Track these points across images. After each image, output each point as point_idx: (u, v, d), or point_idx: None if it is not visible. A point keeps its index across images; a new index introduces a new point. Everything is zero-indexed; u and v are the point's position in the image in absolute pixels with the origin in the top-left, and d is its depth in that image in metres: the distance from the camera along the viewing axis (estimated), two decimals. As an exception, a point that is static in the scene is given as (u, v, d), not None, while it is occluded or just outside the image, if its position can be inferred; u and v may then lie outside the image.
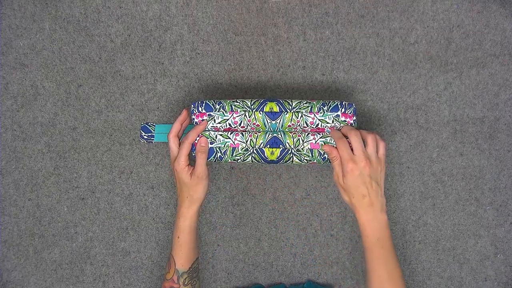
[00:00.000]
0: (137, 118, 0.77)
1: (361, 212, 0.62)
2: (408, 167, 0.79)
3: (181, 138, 0.67)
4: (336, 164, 0.64)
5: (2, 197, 0.78)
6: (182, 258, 0.64)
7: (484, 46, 0.75)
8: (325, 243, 0.80)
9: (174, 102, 0.77)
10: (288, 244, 0.80)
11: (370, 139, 0.62)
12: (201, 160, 0.64)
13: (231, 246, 0.80)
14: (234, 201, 0.79)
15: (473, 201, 0.80)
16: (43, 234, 0.79)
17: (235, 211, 0.80)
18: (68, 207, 0.79)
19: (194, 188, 0.64)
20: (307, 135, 0.67)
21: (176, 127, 0.66)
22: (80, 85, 0.76)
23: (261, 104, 0.66)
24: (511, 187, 0.79)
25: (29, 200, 0.78)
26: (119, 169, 0.78)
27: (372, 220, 0.62)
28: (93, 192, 0.79)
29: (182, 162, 0.63)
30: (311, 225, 0.80)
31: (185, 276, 0.64)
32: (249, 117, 0.66)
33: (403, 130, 0.78)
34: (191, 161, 0.66)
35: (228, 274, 0.81)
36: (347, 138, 0.64)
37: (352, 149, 0.62)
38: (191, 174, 0.64)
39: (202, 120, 0.66)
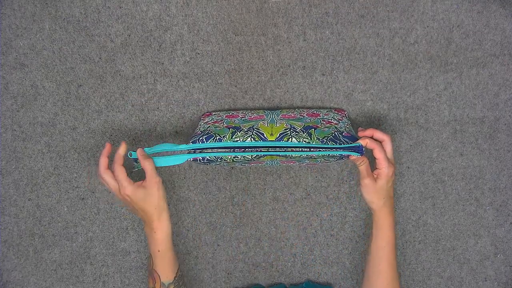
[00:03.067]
0: (137, 118, 0.77)
1: (389, 214, 0.65)
2: (408, 167, 0.79)
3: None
4: (363, 168, 0.63)
5: (2, 197, 0.78)
6: (166, 270, 0.62)
7: (484, 46, 0.75)
8: (325, 243, 0.80)
9: (174, 102, 0.77)
10: (288, 244, 0.80)
11: (389, 141, 0.64)
12: (149, 166, 0.62)
13: (231, 246, 0.80)
14: (234, 201, 0.79)
15: (473, 201, 0.80)
16: (43, 234, 0.79)
17: (235, 211, 0.80)
18: (68, 207, 0.79)
19: (156, 194, 0.61)
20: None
21: (102, 161, 0.62)
22: (80, 85, 0.76)
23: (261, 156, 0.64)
24: (511, 187, 0.79)
25: (29, 200, 0.78)
26: (119, 169, 0.78)
27: (394, 221, 0.66)
28: (93, 192, 0.79)
29: (127, 184, 0.60)
30: (311, 225, 0.80)
31: (171, 287, 0.63)
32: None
33: (403, 130, 0.78)
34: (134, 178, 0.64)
35: (228, 274, 0.81)
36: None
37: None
38: (144, 185, 0.61)
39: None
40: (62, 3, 0.74)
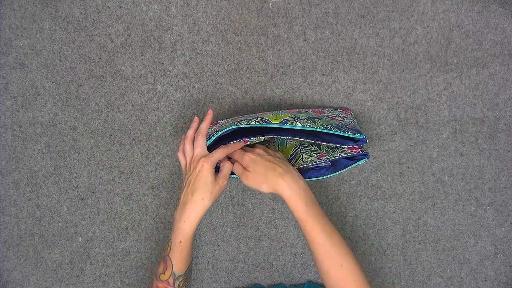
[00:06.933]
0: (137, 118, 0.77)
1: (281, 185, 0.61)
2: (408, 167, 0.79)
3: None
4: (236, 169, 0.66)
5: (2, 197, 0.78)
6: (180, 262, 0.63)
7: (484, 46, 0.75)
8: (325, 243, 0.80)
9: (174, 102, 0.77)
10: (288, 244, 0.80)
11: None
12: (227, 168, 0.66)
13: (231, 246, 0.80)
14: (234, 201, 0.79)
15: (473, 201, 0.80)
16: (43, 234, 0.79)
17: (235, 211, 0.80)
18: (68, 207, 0.79)
19: (214, 190, 0.62)
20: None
21: (205, 127, 0.66)
22: (80, 85, 0.76)
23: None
24: (511, 187, 0.79)
25: (29, 200, 0.78)
26: (119, 169, 0.78)
27: (294, 188, 0.61)
28: (93, 192, 0.79)
29: (214, 161, 0.63)
30: (311, 225, 0.80)
31: (180, 279, 0.63)
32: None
33: (403, 130, 0.78)
34: None
35: (228, 274, 0.81)
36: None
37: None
38: (215, 176, 0.64)
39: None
40: (62, 3, 0.74)
